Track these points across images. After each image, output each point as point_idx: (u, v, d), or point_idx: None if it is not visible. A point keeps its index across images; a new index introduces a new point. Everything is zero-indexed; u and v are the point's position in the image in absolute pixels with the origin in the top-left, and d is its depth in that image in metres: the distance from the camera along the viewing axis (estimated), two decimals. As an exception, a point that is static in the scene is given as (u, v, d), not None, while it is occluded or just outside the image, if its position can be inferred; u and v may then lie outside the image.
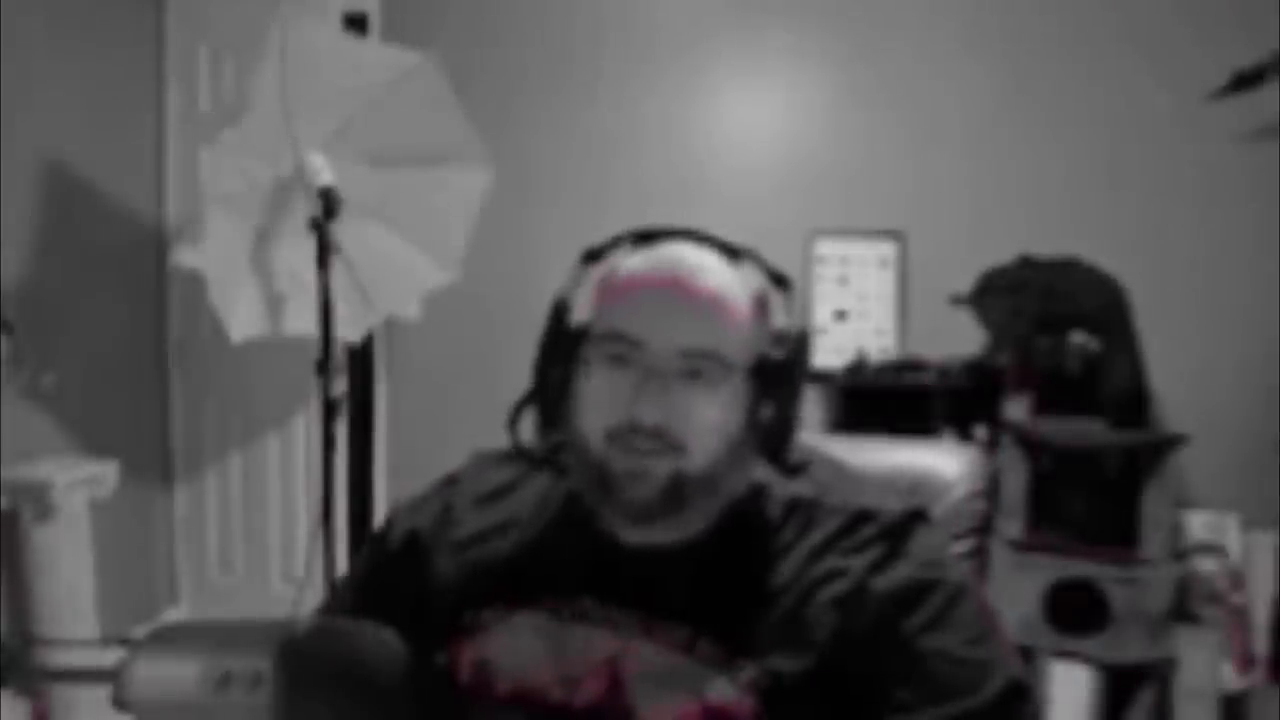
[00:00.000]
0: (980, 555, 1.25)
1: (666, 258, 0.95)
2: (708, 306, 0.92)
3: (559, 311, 0.97)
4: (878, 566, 0.89)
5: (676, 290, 0.92)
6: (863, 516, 0.93)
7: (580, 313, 0.96)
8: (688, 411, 0.90)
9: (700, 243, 0.97)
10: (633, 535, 0.93)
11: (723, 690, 0.85)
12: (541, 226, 3.11)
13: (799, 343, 0.95)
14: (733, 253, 0.97)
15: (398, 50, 2.41)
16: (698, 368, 0.90)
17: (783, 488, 0.97)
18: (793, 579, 0.90)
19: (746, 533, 0.95)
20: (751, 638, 0.87)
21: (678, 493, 0.90)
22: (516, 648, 0.92)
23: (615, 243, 0.99)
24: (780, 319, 0.95)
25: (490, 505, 1.04)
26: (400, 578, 1.03)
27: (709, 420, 0.90)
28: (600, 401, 0.91)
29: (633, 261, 0.96)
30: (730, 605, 0.90)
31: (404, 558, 1.04)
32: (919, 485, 1.22)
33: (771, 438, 0.95)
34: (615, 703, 0.88)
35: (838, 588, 0.88)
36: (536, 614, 0.93)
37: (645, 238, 0.98)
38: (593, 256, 0.98)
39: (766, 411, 0.94)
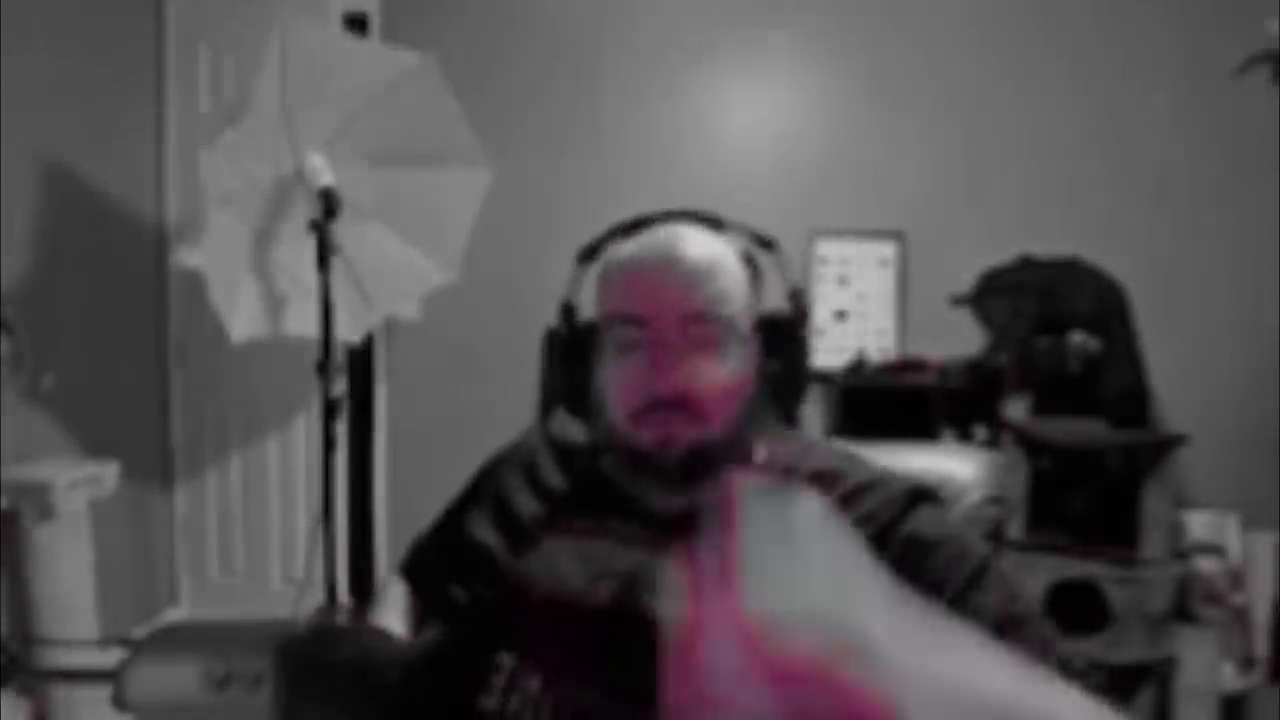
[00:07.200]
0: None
1: (653, 237, 0.98)
2: (699, 272, 0.94)
3: (567, 313, 1.01)
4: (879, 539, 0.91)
5: (666, 262, 0.95)
6: (864, 487, 0.96)
7: (590, 310, 0.99)
8: (701, 378, 0.92)
9: (683, 220, 1.00)
10: (664, 502, 0.95)
11: None
12: (541, 227, 3.11)
13: (799, 298, 0.99)
14: (716, 224, 1.00)
15: (398, 50, 2.41)
16: (703, 333, 0.93)
17: (784, 458, 0.99)
18: None
19: None
20: None
21: (701, 458, 0.92)
22: (551, 560, 0.96)
23: (608, 237, 1.02)
24: (775, 279, 0.99)
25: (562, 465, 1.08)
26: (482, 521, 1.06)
27: (722, 384, 0.93)
28: (619, 388, 0.94)
29: (624, 248, 0.99)
30: None
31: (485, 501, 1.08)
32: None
33: (784, 394, 0.98)
34: (637, 602, 0.90)
35: None
36: (568, 539, 0.98)
37: (633, 226, 1.01)
38: (589, 255, 1.02)
39: (775, 368, 0.98)
